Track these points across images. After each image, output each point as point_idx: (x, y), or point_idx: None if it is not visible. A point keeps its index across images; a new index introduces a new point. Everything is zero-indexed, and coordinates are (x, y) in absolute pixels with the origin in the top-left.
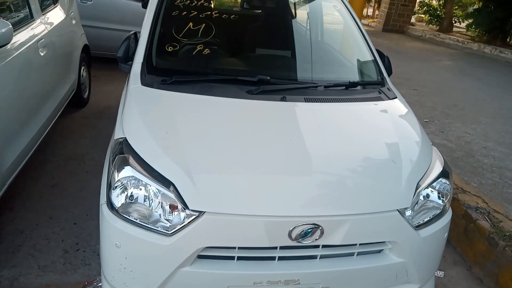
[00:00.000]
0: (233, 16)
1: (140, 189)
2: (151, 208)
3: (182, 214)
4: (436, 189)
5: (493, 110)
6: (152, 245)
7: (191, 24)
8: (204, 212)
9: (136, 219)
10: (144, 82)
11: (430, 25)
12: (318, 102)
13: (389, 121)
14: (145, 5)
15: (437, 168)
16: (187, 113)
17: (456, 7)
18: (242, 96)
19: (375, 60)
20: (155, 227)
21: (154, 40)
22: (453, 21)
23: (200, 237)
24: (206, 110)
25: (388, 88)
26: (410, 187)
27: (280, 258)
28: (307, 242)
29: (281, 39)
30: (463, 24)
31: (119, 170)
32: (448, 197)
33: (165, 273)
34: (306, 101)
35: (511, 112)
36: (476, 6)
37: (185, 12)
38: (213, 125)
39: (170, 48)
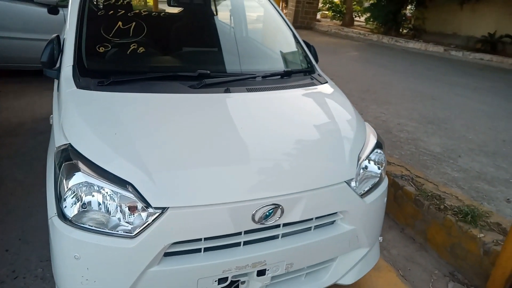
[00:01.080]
0: (163, 13)
1: (94, 195)
2: (108, 212)
3: (144, 214)
4: (373, 159)
5: (400, 92)
6: (116, 250)
7: (120, 23)
8: (168, 208)
9: (94, 226)
10: (80, 85)
11: (334, 20)
12: (260, 91)
13: (325, 102)
14: (52, 11)
15: (372, 141)
16: (132, 112)
17: (355, 2)
18: (185, 91)
19: (303, 50)
20: (116, 231)
21: (82, 42)
22: (354, 16)
23: (166, 233)
24: (151, 108)
25: (318, 74)
26: (352, 160)
27: (245, 243)
28: (269, 223)
29: (215, 34)
30: (363, 18)
31: (68, 178)
32: (383, 165)
33: (132, 277)
34: (248, 91)
35: (414, 92)
36: (371, 1)
37: (112, 11)
38: (162, 121)
39: (102, 49)
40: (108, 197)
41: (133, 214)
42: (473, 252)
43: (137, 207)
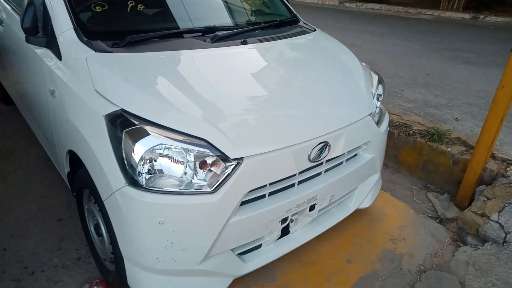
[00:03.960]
0: None
1: (169, 156)
2: (185, 172)
3: (221, 167)
4: (378, 94)
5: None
6: (199, 207)
7: None
8: (243, 158)
9: (173, 188)
10: (97, 49)
11: None
12: (270, 41)
13: (329, 47)
14: None
15: (375, 77)
16: (171, 70)
17: None
18: (204, 45)
19: (285, 3)
20: (195, 189)
21: (72, 1)
22: None
23: (243, 183)
24: (184, 64)
25: (304, 22)
26: (369, 96)
27: (299, 183)
28: (320, 159)
29: None
30: None
31: (139, 143)
32: (382, 99)
33: (216, 231)
34: (260, 42)
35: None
36: None
37: None
38: (204, 76)
39: (99, 8)
40: (183, 156)
41: (210, 170)
42: (443, 164)
43: (214, 162)
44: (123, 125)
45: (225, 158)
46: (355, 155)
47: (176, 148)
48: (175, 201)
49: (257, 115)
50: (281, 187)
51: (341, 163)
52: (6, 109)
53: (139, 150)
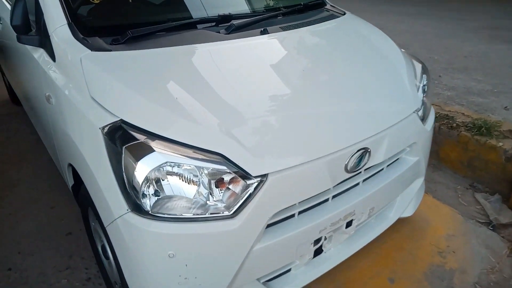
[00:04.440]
0: None
1: (179, 175)
2: (198, 193)
3: (241, 186)
4: (423, 85)
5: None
6: (217, 236)
7: None
8: (267, 174)
9: (184, 214)
10: (92, 47)
11: None
12: (293, 29)
13: (363, 33)
14: None
15: (418, 67)
16: (177, 70)
17: None
18: (218, 38)
19: None
20: (211, 214)
21: None
22: None
23: (268, 204)
24: (195, 62)
25: (331, 5)
26: (413, 89)
27: (333, 197)
28: (359, 169)
29: None
30: None
31: (142, 161)
32: (428, 91)
33: (237, 262)
34: (283, 30)
35: None
36: None
37: None
38: (218, 76)
39: (96, 0)
40: (195, 175)
41: (228, 190)
42: (494, 161)
43: (232, 180)
44: (123, 140)
45: (245, 176)
46: (397, 158)
47: (188, 166)
48: (187, 230)
49: (283, 121)
50: (312, 204)
51: (381, 169)
52: (17, 110)
53: (142, 169)
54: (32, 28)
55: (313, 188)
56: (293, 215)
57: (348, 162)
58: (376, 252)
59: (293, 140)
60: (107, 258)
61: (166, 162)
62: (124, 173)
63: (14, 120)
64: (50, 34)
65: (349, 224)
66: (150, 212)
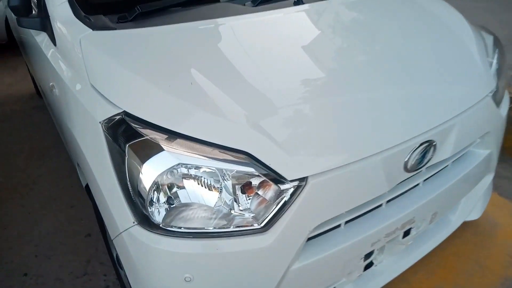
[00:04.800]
0: None
1: (195, 180)
2: (221, 201)
3: (274, 191)
4: (495, 61)
5: None
6: (247, 254)
7: None
8: (307, 177)
9: (202, 228)
10: (95, 26)
11: None
12: None
13: (417, 1)
14: None
15: (489, 39)
16: (195, 50)
17: None
18: (244, 10)
19: None
20: (237, 227)
21: None
22: None
23: (308, 215)
24: (215, 40)
25: None
26: (487, 67)
27: (388, 201)
28: (421, 167)
29: None
30: None
31: (149, 163)
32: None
33: (271, 286)
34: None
35: None
36: None
37: None
38: (242, 57)
39: None
40: (216, 180)
41: (257, 196)
42: None
43: (262, 185)
44: (126, 136)
45: (278, 180)
46: (465, 152)
47: (206, 168)
48: (207, 248)
49: (326, 110)
50: (363, 212)
51: (446, 166)
52: (43, 103)
53: (149, 173)
54: (33, 10)
55: (365, 193)
56: (338, 225)
57: (408, 159)
58: (435, 262)
59: (340, 135)
60: (122, 268)
61: (178, 164)
62: (128, 177)
63: (39, 114)
64: (50, 14)
65: (406, 234)
66: (160, 225)
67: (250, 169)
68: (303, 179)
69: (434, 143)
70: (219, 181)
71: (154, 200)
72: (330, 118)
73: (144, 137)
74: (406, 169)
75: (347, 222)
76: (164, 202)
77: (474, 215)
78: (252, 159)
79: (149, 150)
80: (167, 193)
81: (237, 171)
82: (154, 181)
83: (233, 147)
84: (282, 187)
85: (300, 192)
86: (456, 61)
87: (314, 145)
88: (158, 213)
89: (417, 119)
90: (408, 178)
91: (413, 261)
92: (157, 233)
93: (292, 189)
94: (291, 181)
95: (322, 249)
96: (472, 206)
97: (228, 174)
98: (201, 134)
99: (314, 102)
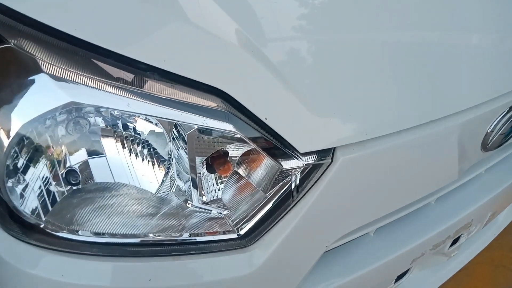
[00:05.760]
0: None
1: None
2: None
3: (269, 171)
4: None
5: None
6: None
7: None
8: (334, 149)
9: (130, 236)
10: None
11: None
12: None
13: None
14: None
15: None
16: None
17: None
18: None
19: None
20: (197, 234)
21: None
22: None
23: (332, 215)
24: None
25: None
26: None
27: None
28: (504, 142)
29: None
30: None
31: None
32: None
33: None
34: None
35: None
36: None
37: None
38: None
39: None
40: (160, 143)
41: (235, 181)
42: None
43: (247, 159)
44: None
45: (280, 151)
46: None
47: (140, 120)
48: (135, 278)
49: (375, 45)
50: (404, 213)
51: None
52: None
53: (6, 118)
54: None
55: (426, 182)
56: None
57: (492, 129)
58: (464, 272)
59: (395, 85)
60: None
61: (71, 103)
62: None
63: None
64: None
65: (454, 242)
66: (41, 226)
67: (227, 126)
68: (327, 153)
69: None
70: (165, 146)
71: (22, 173)
72: (383, 58)
73: (5, 42)
74: (484, 146)
75: (378, 228)
76: (47, 179)
77: None
78: (233, 108)
79: (14, 69)
80: (53, 163)
81: (201, 129)
82: (18, 133)
83: (198, 80)
84: (287, 164)
85: (321, 176)
86: None
87: (352, 97)
88: (38, 202)
89: (503, 74)
90: (480, 161)
91: (451, 274)
92: (36, 245)
93: (304, 170)
94: (304, 154)
95: (339, 272)
96: None
97: (183, 134)
98: (130, 49)
99: (349, 38)
